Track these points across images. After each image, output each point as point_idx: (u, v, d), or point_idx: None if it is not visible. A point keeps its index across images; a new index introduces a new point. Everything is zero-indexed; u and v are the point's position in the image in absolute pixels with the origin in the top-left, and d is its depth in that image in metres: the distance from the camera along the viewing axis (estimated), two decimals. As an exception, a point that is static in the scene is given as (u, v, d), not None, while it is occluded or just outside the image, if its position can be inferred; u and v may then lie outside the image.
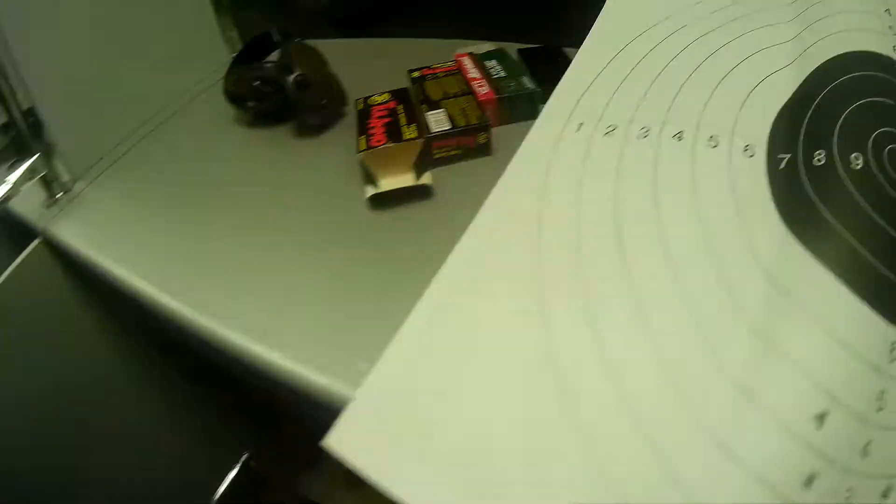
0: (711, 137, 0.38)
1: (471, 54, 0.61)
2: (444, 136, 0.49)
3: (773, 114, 0.39)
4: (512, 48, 0.64)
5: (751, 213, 0.34)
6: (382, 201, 0.47)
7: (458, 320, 0.32)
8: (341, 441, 0.28)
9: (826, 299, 0.29)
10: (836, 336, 0.28)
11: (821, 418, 0.26)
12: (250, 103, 0.63)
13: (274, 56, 0.66)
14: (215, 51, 0.75)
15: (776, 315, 0.29)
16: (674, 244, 0.34)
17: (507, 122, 0.55)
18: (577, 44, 0.66)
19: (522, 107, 0.55)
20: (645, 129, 0.40)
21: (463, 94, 0.54)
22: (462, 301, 0.33)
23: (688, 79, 0.43)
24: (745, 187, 0.35)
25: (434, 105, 0.53)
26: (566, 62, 0.61)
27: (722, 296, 0.31)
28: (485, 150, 0.51)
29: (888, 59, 0.39)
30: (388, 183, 0.48)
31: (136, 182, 0.57)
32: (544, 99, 0.53)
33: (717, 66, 0.44)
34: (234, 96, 0.63)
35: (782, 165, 0.35)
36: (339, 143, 0.55)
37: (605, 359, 0.30)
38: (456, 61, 0.60)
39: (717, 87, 0.42)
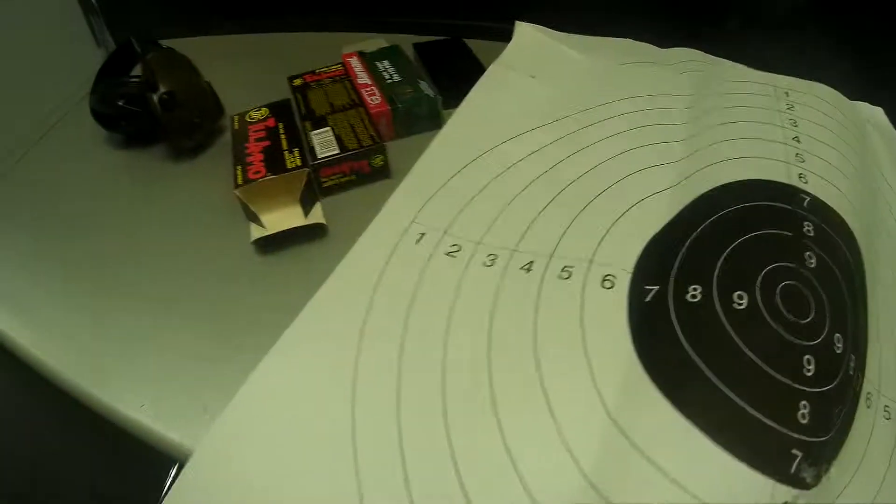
0: (564, 269, 0.35)
1: (359, 54, 0.55)
2: (332, 162, 0.44)
3: (644, 242, 0.36)
4: (407, 42, 0.58)
5: (600, 349, 0.31)
6: (269, 241, 0.42)
7: (282, 401, 0.31)
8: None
9: (686, 458, 0.26)
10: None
11: None
12: (122, 122, 0.55)
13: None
14: (85, 59, 0.66)
15: (614, 476, 0.26)
16: (501, 382, 0.31)
17: (406, 135, 0.50)
18: (482, 35, 0.61)
19: (421, 117, 0.50)
20: (492, 256, 0.37)
21: (352, 107, 0.49)
22: (288, 382, 0.32)
23: (550, 201, 0.40)
24: (598, 321, 0.33)
25: (319, 122, 0.48)
26: (469, 57, 0.57)
27: (551, 440, 0.28)
28: (383, 172, 0.46)
29: (790, 187, 0.37)
30: (274, 223, 0.43)
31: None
32: (447, 105, 0.48)
33: (586, 188, 0.41)
34: (101, 116, 0.56)
35: (648, 298, 0.32)
36: (219, 167, 0.48)
37: (406, 471, 0.28)
38: (343, 63, 0.54)
39: (581, 211, 0.39)
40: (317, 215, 0.43)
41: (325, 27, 0.65)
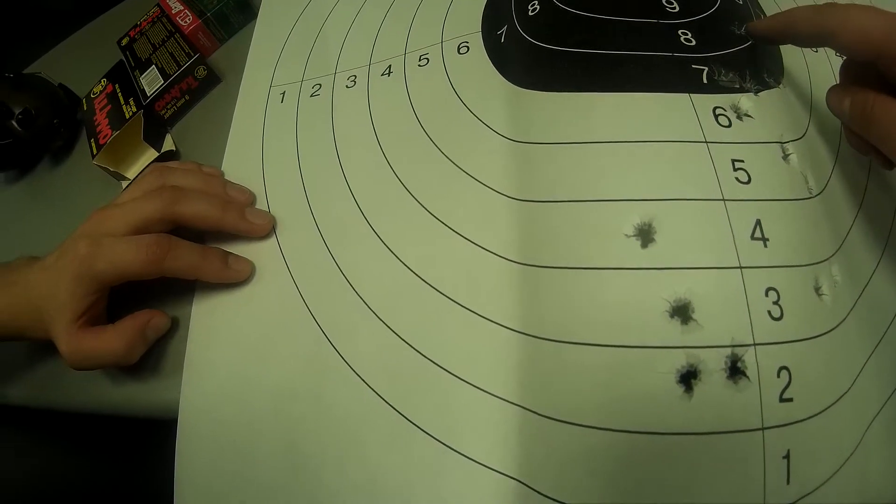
0: (421, 57, 0.39)
1: (173, -13, 0.56)
2: (160, 94, 0.46)
3: (480, 6, 0.39)
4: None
5: (479, 97, 0.35)
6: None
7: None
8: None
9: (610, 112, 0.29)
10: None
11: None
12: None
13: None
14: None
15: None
16: (404, 172, 0.35)
17: (230, 36, 0.52)
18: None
19: (234, 13, 0.51)
20: (352, 77, 0.40)
21: (170, 37, 0.50)
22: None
23: (386, 14, 0.43)
24: (469, 81, 0.36)
25: (145, 65, 0.49)
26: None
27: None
28: (211, 80, 0.48)
29: None
30: (133, 171, 0.45)
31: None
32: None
33: None
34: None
35: (502, 39, 0.36)
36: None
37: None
38: (158, 3, 0.55)
39: (417, 10, 0.42)
40: (168, 144, 0.45)
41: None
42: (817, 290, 0.25)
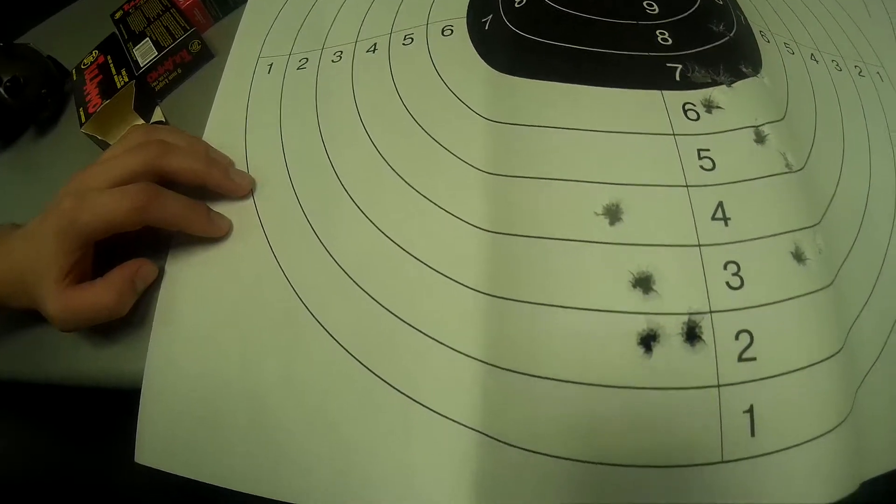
0: (406, 37, 0.40)
1: (169, -38, 0.56)
2: (153, 65, 0.46)
3: None
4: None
5: (461, 79, 0.37)
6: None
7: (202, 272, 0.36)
8: (147, 453, 0.31)
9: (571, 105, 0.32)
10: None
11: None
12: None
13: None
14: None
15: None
16: (387, 146, 0.36)
17: (225, 14, 0.52)
18: None
19: (230, -8, 0.51)
20: (338, 53, 0.42)
21: (165, 11, 0.50)
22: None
23: None
24: (453, 61, 0.38)
25: (138, 37, 0.49)
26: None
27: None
28: (204, 55, 0.48)
29: None
30: (120, 141, 0.45)
31: None
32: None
33: None
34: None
35: (486, 27, 0.38)
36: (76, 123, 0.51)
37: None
38: (156, -21, 0.55)
39: None
40: (157, 116, 0.45)
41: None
42: (798, 255, 0.27)
